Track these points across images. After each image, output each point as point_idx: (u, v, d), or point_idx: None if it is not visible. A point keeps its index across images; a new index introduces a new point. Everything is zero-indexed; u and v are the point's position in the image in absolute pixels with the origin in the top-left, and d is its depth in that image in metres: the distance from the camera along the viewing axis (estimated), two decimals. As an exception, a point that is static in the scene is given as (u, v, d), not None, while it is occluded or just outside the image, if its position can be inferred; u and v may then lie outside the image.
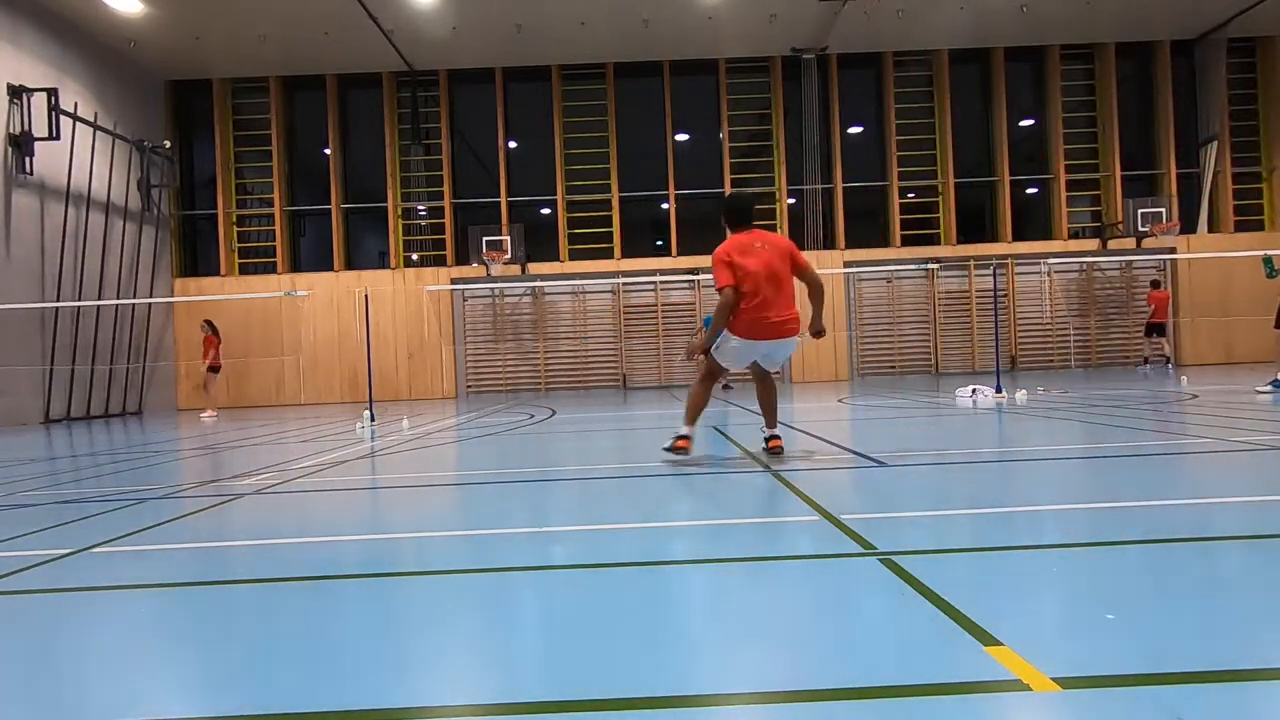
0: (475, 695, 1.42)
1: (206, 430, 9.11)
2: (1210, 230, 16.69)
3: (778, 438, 4.35)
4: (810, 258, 18.65)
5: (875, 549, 2.22)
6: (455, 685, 1.49)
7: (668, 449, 4.24)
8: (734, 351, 4.31)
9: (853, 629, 1.65)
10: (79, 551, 2.64)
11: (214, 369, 12.66)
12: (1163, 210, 15.58)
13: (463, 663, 1.59)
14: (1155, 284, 14.92)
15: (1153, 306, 14.48)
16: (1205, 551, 2.17)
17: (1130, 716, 1.19)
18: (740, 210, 4.37)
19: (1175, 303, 16.57)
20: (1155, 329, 14.53)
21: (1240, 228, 16.77)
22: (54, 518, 3.37)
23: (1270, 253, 8.22)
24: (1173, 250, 16.02)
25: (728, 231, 4.37)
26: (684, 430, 4.28)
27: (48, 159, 12.82)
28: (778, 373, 4.35)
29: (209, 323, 12.78)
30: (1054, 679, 1.30)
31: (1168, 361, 14.62)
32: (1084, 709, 1.23)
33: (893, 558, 2.10)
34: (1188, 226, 16.54)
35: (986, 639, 1.49)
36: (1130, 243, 16.12)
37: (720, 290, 4.16)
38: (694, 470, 4.02)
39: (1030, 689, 1.28)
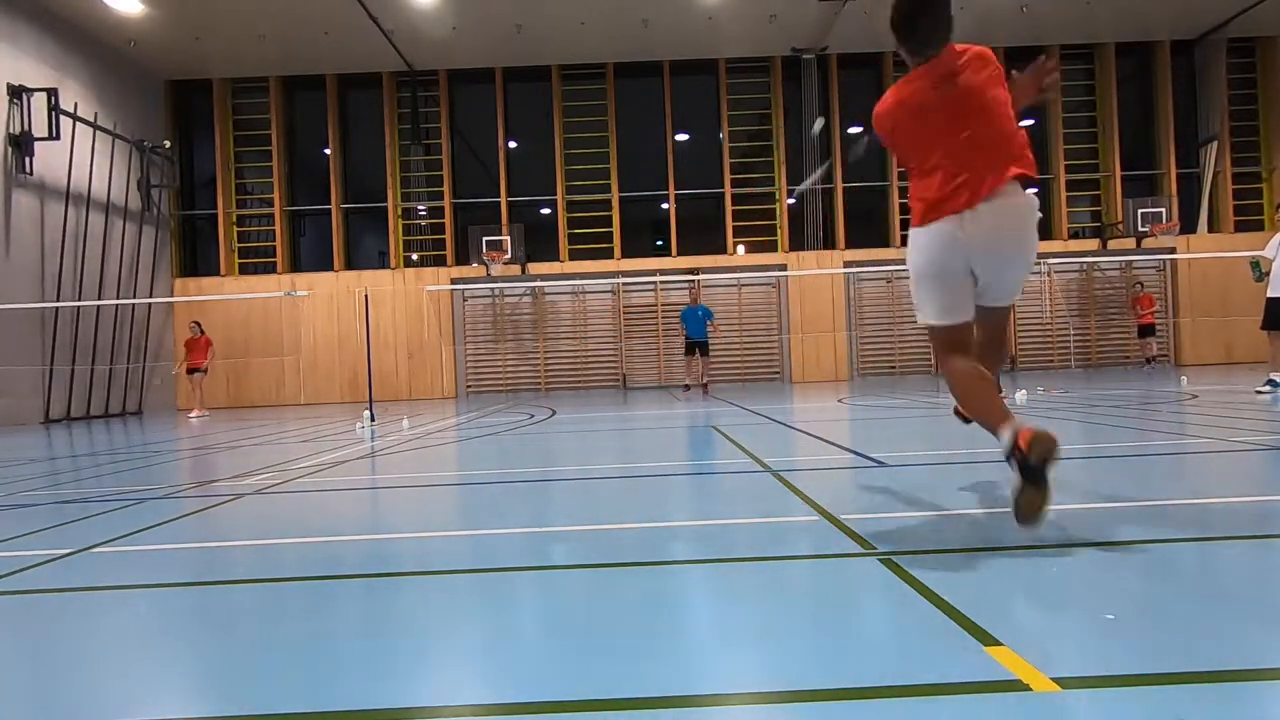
0: (475, 695, 1.42)
1: (206, 431, 9.11)
2: (1210, 230, 16.71)
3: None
4: (810, 258, 18.69)
5: (875, 549, 2.22)
6: (456, 685, 1.49)
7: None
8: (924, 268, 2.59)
9: (852, 629, 1.65)
10: (79, 551, 2.64)
11: (203, 369, 12.78)
12: (1163, 210, 15.60)
13: (463, 662, 1.59)
14: (1141, 285, 15.30)
15: (1143, 310, 14.93)
16: (1206, 551, 2.17)
17: (1130, 716, 1.19)
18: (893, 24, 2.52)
19: (1175, 302, 16.59)
20: (1149, 330, 14.84)
21: (1240, 228, 16.78)
22: (54, 518, 3.37)
23: (1257, 254, 8.18)
24: (1172, 250, 16.03)
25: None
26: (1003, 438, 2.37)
27: (48, 159, 12.82)
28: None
29: (198, 324, 12.96)
30: (1054, 679, 1.30)
31: (1149, 361, 14.85)
32: (1084, 709, 1.23)
33: (892, 557, 2.10)
34: (1187, 226, 16.55)
35: (986, 639, 1.49)
36: (1130, 243, 16.13)
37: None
38: (694, 470, 4.02)
39: (1030, 689, 1.28)
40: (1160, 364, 14.84)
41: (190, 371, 12.93)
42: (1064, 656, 1.41)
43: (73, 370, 13.25)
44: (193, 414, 12.53)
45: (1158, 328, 15.02)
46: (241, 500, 3.66)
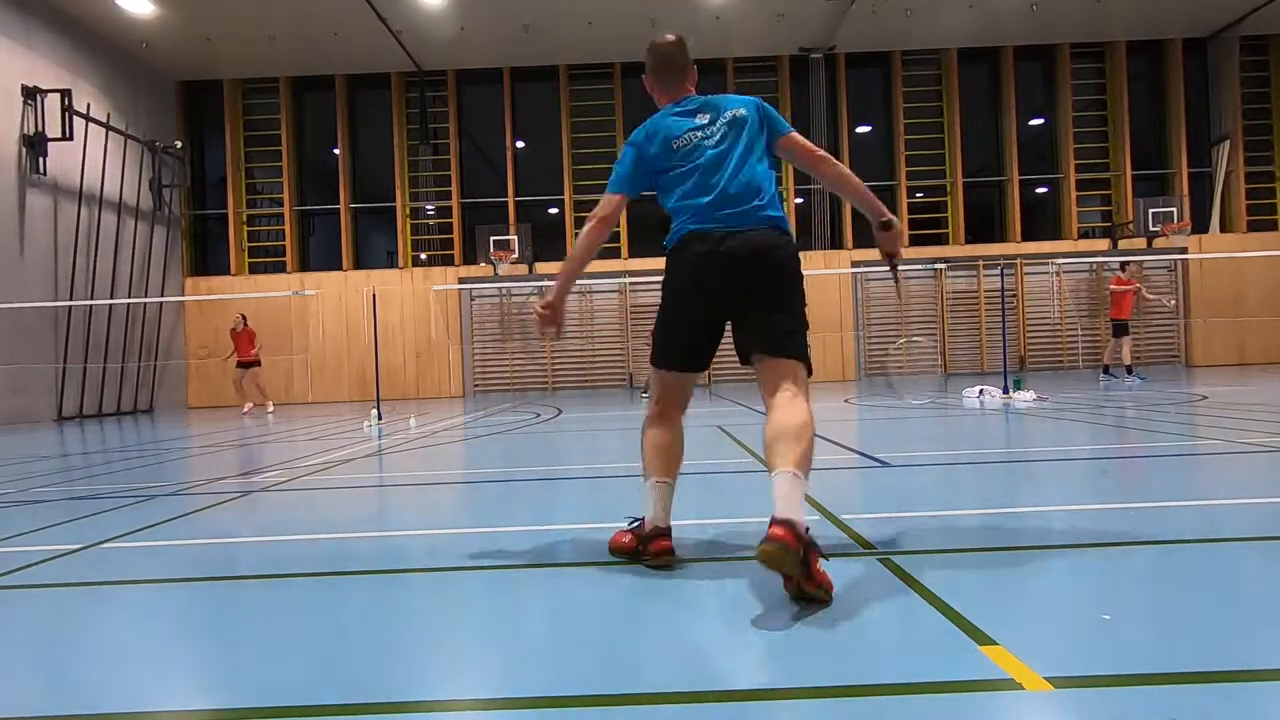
0: (482, 689, 1.44)
1: (216, 429, 9.19)
2: (1222, 230, 16.55)
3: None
4: (818, 257, 18.57)
5: (875, 549, 2.23)
6: (462, 679, 1.51)
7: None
8: None
9: (849, 628, 1.66)
10: (91, 546, 2.68)
11: (249, 364, 12.25)
12: (1174, 210, 15.46)
13: (469, 657, 1.61)
14: (1123, 267, 11.68)
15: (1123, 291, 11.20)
16: (1200, 553, 2.17)
17: (1121, 716, 1.20)
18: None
19: (1187, 303, 16.43)
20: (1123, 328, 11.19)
21: (1253, 228, 16.63)
22: (67, 513, 3.42)
23: None
24: (1184, 250, 15.89)
25: None
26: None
27: (61, 159, 12.95)
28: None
29: (244, 316, 12.34)
30: (1047, 678, 1.31)
31: (1125, 372, 11.24)
32: (1076, 708, 1.24)
33: (891, 557, 2.11)
34: (1199, 226, 16.40)
35: (981, 638, 1.50)
36: (1141, 243, 16.00)
37: None
38: (697, 469, 4.03)
39: (1023, 688, 1.29)
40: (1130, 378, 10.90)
41: (243, 366, 12.24)
42: (1058, 656, 1.42)
43: (85, 368, 13.38)
44: (247, 409, 11.79)
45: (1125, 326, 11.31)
46: (250, 497, 3.70)
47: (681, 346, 2.35)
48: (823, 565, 1.80)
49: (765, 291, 2.27)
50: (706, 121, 2.42)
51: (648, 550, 2.21)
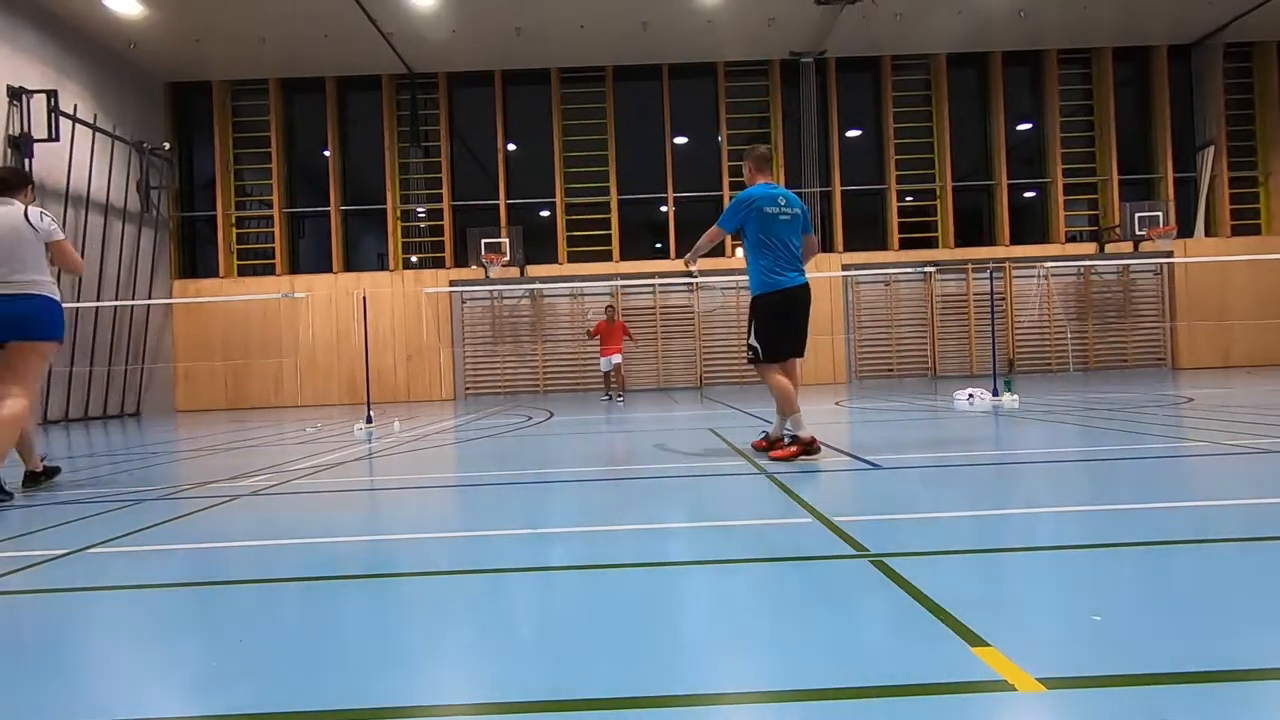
0: (472, 695, 1.44)
1: (204, 432, 9.12)
2: (1207, 234, 16.75)
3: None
4: (809, 261, 18.66)
5: (867, 551, 2.23)
6: (452, 685, 1.50)
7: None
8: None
9: (842, 630, 1.67)
10: (77, 551, 2.65)
11: None
12: (1159, 214, 15.64)
13: (459, 662, 1.61)
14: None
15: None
16: (1193, 554, 2.19)
17: (1114, 717, 1.21)
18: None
19: (1172, 306, 16.60)
20: None
21: (1236, 232, 16.83)
22: (53, 518, 3.38)
23: None
24: (1169, 254, 16.08)
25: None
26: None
27: (47, 160, 12.83)
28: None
29: None
30: (1039, 679, 1.32)
31: None
32: (1068, 709, 1.25)
33: (884, 559, 2.12)
34: (1185, 230, 16.59)
35: (974, 640, 1.51)
36: (1127, 246, 16.18)
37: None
38: (689, 472, 4.03)
39: (1015, 689, 1.30)
40: None
41: None
42: (1050, 657, 1.43)
43: (71, 371, 13.24)
44: None
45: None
46: (239, 501, 3.68)
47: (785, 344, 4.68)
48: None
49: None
50: (784, 204, 4.43)
51: (812, 447, 4.24)
